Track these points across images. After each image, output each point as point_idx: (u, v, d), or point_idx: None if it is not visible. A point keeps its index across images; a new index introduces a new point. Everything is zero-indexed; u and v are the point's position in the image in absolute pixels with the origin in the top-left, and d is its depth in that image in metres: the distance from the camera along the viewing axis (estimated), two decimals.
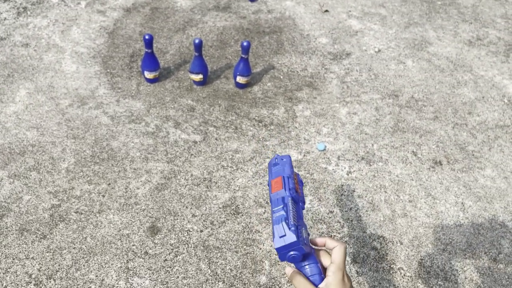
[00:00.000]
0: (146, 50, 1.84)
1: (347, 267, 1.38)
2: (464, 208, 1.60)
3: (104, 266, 1.32)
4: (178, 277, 1.31)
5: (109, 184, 1.54)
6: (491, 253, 1.47)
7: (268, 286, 1.32)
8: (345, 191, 1.62)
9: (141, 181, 1.56)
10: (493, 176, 1.73)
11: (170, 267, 1.33)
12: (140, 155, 1.65)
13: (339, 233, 1.47)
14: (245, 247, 1.41)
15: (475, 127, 1.94)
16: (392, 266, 1.41)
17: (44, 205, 1.46)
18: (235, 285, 1.31)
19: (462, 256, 1.45)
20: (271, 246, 1.41)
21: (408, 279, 1.38)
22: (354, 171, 1.70)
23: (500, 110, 2.04)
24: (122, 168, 1.60)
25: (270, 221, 1.43)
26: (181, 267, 1.34)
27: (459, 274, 1.40)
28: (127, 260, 1.34)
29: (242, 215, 1.50)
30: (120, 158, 1.63)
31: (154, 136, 1.73)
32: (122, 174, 1.57)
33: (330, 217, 1.52)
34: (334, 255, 0.67)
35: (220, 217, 1.48)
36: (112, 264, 1.32)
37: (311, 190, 1.60)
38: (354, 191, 1.62)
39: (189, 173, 1.61)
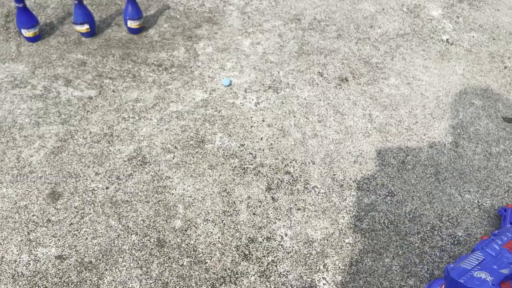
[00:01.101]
0: (17, 5, 1.64)
1: (262, 195, 1.37)
2: (372, 119, 1.62)
3: (2, 243, 1.22)
4: (87, 238, 1.24)
5: None
6: (399, 157, 1.51)
7: (184, 228, 1.28)
8: (254, 123, 1.58)
9: (34, 148, 1.44)
10: (397, 84, 1.76)
11: (77, 230, 1.26)
12: (29, 121, 1.51)
13: (252, 164, 1.45)
14: (156, 195, 1.35)
15: (377, 39, 1.94)
16: (306, 186, 1.41)
17: None
18: (149, 235, 1.26)
19: (372, 165, 1.48)
20: (184, 189, 1.37)
21: (322, 195, 1.39)
22: (262, 101, 1.66)
23: (400, 19, 2.05)
24: (11, 137, 1.46)
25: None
26: (89, 228, 1.26)
27: (371, 182, 1.44)
28: (27, 232, 1.24)
29: (150, 164, 1.43)
30: (7, 128, 1.48)
31: (44, 99, 1.59)
32: (12, 144, 1.44)
33: (241, 150, 1.49)
34: None
35: (126, 170, 1.41)
36: (11, 239, 1.23)
37: (220, 127, 1.55)
38: (263, 121, 1.59)
39: (87, 131, 1.50)
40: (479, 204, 1.40)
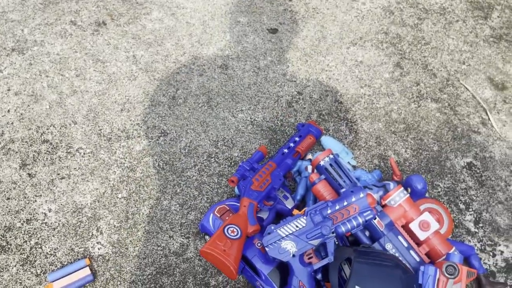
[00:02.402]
0: None
1: (16, 175, 1.19)
2: (137, 60, 1.50)
3: None
4: None
5: None
6: (169, 93, 1.43)
7: None
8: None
9: None
10: (160, 17, 1.65)
11: None
12: None
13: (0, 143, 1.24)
14: None
15: None
16: (69, 150, 1.26)
17: None
18: None
19: (141, 109, 1.38)
20: None
21: (89, 156, 1.26)
22: (5, 67, 1.42)
23: None
24: None
25: None
26: None
27: (141, 127, 1.34)
28: None
29: None
30: None
31: None
32: None
33: None
34: None
35: None
36: None
37: None
38: (9, 90, 1.37)
39: None
40: (252, 120, 1.40)
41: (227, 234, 0.97)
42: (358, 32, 1.66)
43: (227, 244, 0.95)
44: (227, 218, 1.09)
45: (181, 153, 1.30)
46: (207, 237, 1.10)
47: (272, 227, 0.99)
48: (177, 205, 1.20)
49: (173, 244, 1.13)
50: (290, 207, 1.13)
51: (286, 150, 1.23)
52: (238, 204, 1.12)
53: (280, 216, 1.13)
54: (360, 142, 1.37)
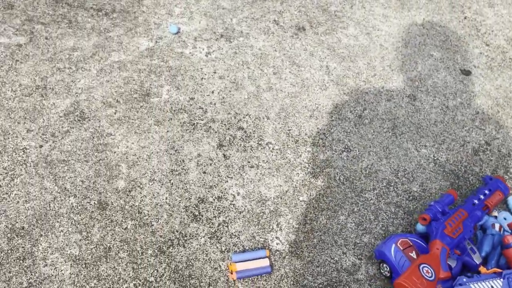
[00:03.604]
0: None
1: (213, 153, 1.29)
2: (329, 71, 1.54)
3: None
4: (18, 202, 1.12)
5: None
6: (356, 111, 1.45)
7: (127, 189, 1.19)
8: (205, 74, 1.47)
9: None
10: (356, 34, 1.68)
11: (7, 193, 1.13)
12: None
13: (202, 120, 1.35)
14: (96, 154, 1.24)
15: None
16: (260, 142, 1.33)
17: None
18: (89, 197, 1.16)
19: (328, 119, 1.42)
20: (127, 147, 1.26)
21: (277, 152, 1.32)
22: (213, 51, 1.54)
23: None
24: None
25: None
26: (20, 191, 1.14)
27: (327, 137, 1.38)
28: None
29: (89, 120, 1.30)
30: None
31: None
32: None
33: (191, 105, 1.38)
34: None
35: (62, 126, 1.27)
36: None
37: (168, 80, 1.43)
38: (215, 72, 1.48)
39: (17, 83, 1.34)
40: (435, 159, 1.38)
41: (422, 273, 0.96)
42: None
43: (422, 283, 0.94)
44: (410, 253, 1.08)
45: (361, 173, 1.32)
46: (384, 265, 1.10)
47: (464, 279, 0.97)
48: (353, 224, 1.21)
49: (345, 261, 1.15)
50: (477, 262, 1.09)
51: (476, 201, 1.19)
52: (421, 242, 1.11)
53: (464, 269, 1.10)
54: None
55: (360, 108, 1.46)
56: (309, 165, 1.31)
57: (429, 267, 0.98)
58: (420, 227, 1.17)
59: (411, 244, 1.10)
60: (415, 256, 1.07)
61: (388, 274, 1.09)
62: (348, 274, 1.12)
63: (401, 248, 1.09)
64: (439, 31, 1.74)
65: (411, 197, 1.28)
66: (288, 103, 1.44)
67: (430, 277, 0.96)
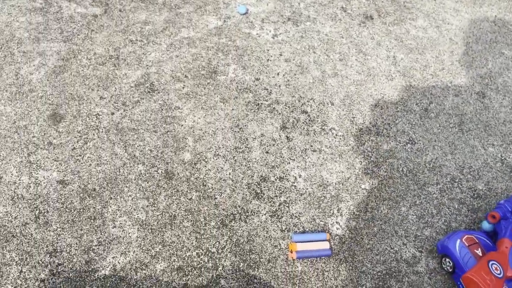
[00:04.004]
0: None
1: (276, 134, 1.29)
2: (396, 62, 1.52)
3: (0, 163, 1.14)
4: (90, 164, 1.17)
5: None
6: (422, 104, 1.42)
7: (193, 162, 1.21)
8: (271, 56, 1.47)
9: (34, 65, 1.33)
10: (425, 26, 1.64)
11: (80, 156, 1.18)
12: (29, 35, 1.39)
13: (266, 100, 1.36)
14: (164, 125, 1.27)
15: None
16: (323, 127, 1.33)
17: None
18: (156, 166, 1.19)
19: (393, 110, 1.40)
20: (194, 121, 1.29)
21: (340, 138, 1.31)
22: (280, 33, 1.54)
23: None
24: (9, 52, 1.34)
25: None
26: (93, 154, 1.19)
27: (391, 128, 1.36)
28: (28, 154, 1.16)
29: (159, 92, 1.33)
30: (4, 41, 1.36)
31: (44, 13, 1.45)
32: (10, 59, 1.33)
33: (256, 85, 1.39)
34: None
35: (133, 96, 1.31)
36: (10, 160, 1.15)
37: (234, 59, 1.45)
38: (281, 55, 1.48)
39: (92, 52, 1.39)
40: (502, 158, 1.34)
41: (491, 269, 0.94)
42: None
43: (491, 280, 0.92)
44: (475, 250, 1.06)
45: (425, 166, 1.29)
46: (447, 259, 1.08)
47: None
48: (415, 216, 1.20)
49: (405, 252, 1.13)
50: None
51: None
52: (487, 240, 1.08)
53: None
54: None
55: (426, 101, 1.43)
56: (372, 154, 1.30)
57: (498, 264, 0.96)
58: (486, 225, 1.14)
59: (477, 241, 1.08)
60: (480, 254, 1.05)
61: (451, 270, 1.07)
62: (407, 265, 1.11)
63: (466, 244, 1.07)
64: (511, 29, 1.68)
65: (475, 195, 1.25)
66: (353, 90, 1.43)
67: (498, 274, 0.94)
